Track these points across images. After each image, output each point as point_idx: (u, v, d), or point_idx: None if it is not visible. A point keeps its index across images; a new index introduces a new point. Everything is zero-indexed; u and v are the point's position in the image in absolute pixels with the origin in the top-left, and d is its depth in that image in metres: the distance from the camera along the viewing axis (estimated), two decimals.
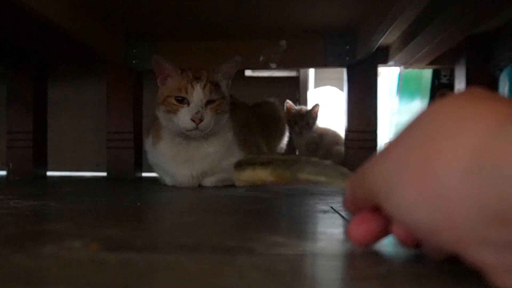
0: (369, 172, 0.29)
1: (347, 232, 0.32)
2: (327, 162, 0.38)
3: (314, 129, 1.51)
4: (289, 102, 1.51)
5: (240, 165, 0.43)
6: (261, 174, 0.41)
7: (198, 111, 0.93)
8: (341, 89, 1.75)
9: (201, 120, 0.93)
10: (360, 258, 0.32)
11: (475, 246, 0.22)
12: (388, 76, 1.93)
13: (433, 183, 0.23)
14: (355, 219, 0.32)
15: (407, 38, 1.12)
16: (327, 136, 1.53)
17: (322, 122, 1.58)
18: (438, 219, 0.23)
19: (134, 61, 1.33)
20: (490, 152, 0.21)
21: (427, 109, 0.26)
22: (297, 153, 1.53)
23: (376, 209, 0.30)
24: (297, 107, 1.52)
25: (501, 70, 1.18)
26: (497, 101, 0.24)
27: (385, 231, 0.31)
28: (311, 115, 1.49)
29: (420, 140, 0.25)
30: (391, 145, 0.28)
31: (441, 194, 0.23)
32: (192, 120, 0.92)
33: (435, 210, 0.23)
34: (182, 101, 0.95)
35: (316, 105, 1.51)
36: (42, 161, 1.39)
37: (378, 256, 0.33)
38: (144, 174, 1.43)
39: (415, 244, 0.30)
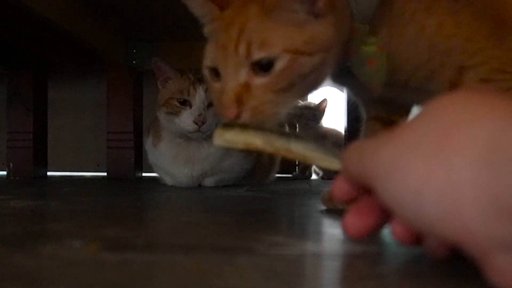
0: (368, 153, 0.28)
1: (343, 224, 0.31)
2: (326, 142, 0.36)
3: (320, 125, 1.49)
4: None
5: (228, 125, 0.40)
6: (249, 138, 0.38)
7: (201, 114, 0.93)
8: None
9: (203, 123, 0.93)
10: (360, 258, 0.32)
11: (481, 240, 0.22)
12: None
13: (444, 170, 0.22)
14: (351, 212, 0.31)
15: None
16: (331, 137, 1.52)
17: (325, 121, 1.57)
18: (445, 208, 0.22)
19: (134, 61, 1.33)
20: (506, 144, 0.21)
21: (436, 101, 0.26)
22: None
23: (372, 199, 0.30)
24: (303, 101, 1.49)
25: None
26: (504, 96, 0.24)
27: (380, 224, 0.31)
28: (318, 109, 1.47)
29: (431, 129, 0.24)
30: (396, 132, 0.27)
31: (452, 182, 0.22)
32: (195, 122, 0.92)
33: (443, 197, 0.22)
34: (184, 103, 0.95)
35: (324, 100, 1.47)
36: (42, 161, 1.39)
37: (378, 256, 0.33)
38: (144, 174, 1.43)
39: (414, 241, 0.29)
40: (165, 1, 1.01)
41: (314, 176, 1.56)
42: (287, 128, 1.29)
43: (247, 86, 0.43)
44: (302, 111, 1.45)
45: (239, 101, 0.43)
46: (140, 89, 1.40)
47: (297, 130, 1.50)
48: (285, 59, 0.42)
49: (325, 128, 1.54)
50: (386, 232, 0.34)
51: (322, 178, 1.48)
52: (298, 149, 0.36)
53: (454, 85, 0.47)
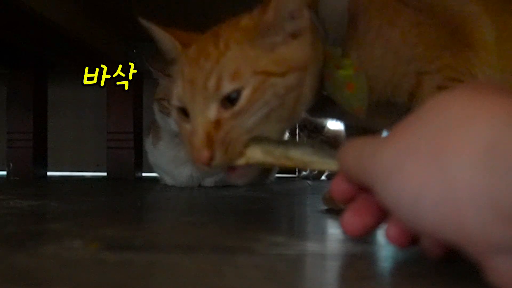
0: (367, 154, 0.27)
1: (340, 221, 0.31)
2: (326, 146, 0.35)
3: (324, 133, 1.50)
4: None
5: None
6: (249, 151, 0.38)
7: None
8: None
9: None
10: (360, 258, 0.32)
11: (481, 243, 0.21)
12: None
13: (441, 174, 0.22)
14: (350, 210, 0.31)
15: None
16: (339, 138, 1.51)
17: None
18: (443, 211, 0.22)
19: (134, 61, 1.33)
20: (505, 146, 0.20)
21: (436, 100, 0.25)
22: None
23: (370, 197, 0.29)
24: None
25: None
26: (507, 93, 0.23)
27: (379, 222, 0.30)
28: (317, 120, 1.48)
29: (428, 130, 0.24)
30: (394, 132, 0.26)
31: (450, 187, 0.22)
32: None
33: (441, 201, 0.22)
34: None
35: None
36: (42, 161, 1.39)
37: (378, 256, 0.33)
38: (144, 174, 1.43)
39: (408, 243, 0.29)
40: (165, 1, 1.01)
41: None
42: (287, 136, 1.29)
43: (217, 123, 0.39)
44: (305, 123, 1.46)
45: (211, 141, 0.39)
46: (140, 89, 1.41)
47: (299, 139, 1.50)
48: (251, 86, 0.39)
49: (333, 130, 1.52)
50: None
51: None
52: (297, 155, 0.36)
53: (413, 95, 0.47)
